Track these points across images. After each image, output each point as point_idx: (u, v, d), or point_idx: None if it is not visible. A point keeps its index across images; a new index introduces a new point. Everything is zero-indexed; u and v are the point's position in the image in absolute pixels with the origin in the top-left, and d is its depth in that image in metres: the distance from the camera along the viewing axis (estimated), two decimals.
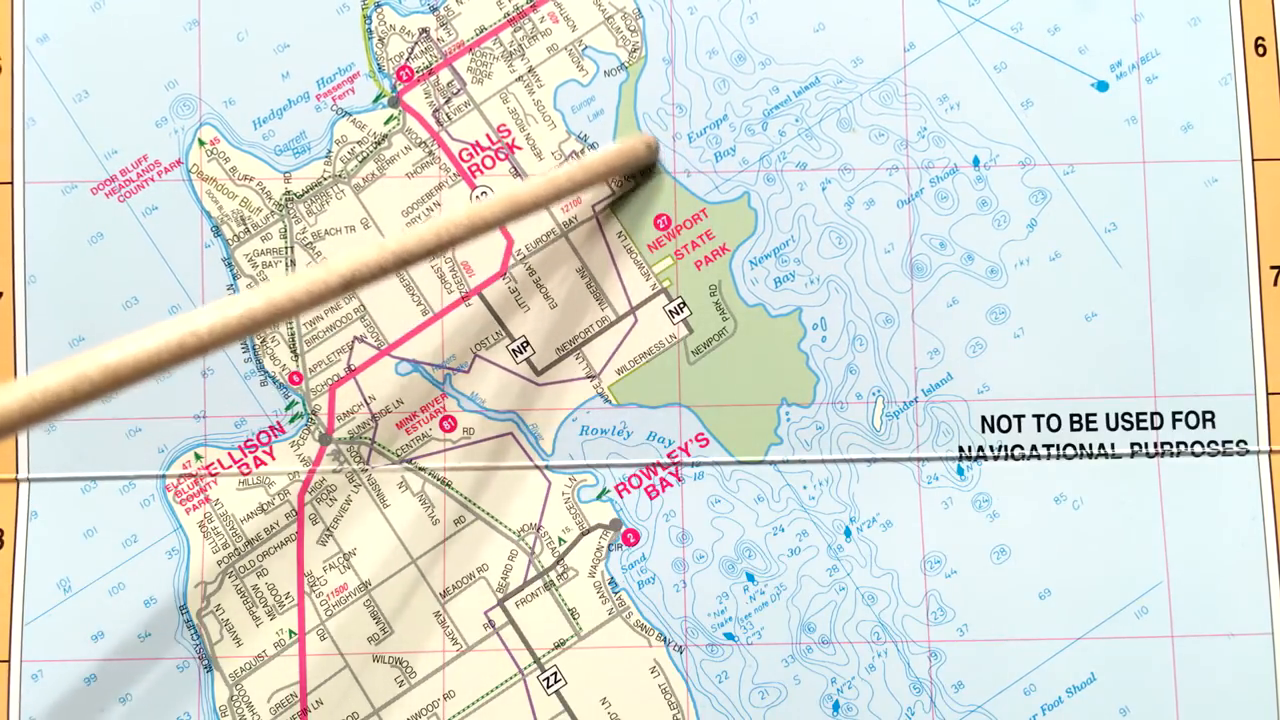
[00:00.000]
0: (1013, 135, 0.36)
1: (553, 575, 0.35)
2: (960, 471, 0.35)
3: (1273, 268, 0.35)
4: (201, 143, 0.36)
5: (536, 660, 0.35)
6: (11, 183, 0.35)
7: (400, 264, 0.28)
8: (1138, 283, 0.35)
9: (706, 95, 0.36)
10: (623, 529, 0.35)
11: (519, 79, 0.36)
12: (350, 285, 0.27)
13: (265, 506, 0.35)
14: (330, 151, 0.36)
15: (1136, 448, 0.35)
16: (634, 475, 0.35)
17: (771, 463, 0.35)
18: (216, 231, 0.36)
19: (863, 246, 0.35)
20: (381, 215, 0.36)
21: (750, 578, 0.35)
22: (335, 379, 0.35)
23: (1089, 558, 0.35)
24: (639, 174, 0.36)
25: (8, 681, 0.34)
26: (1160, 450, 0.35)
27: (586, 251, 0.36)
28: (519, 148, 0.36)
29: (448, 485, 0.35)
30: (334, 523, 0.35)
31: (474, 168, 0.36)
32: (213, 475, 0.35)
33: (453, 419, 0.35)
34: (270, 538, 0.35)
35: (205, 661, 0.34)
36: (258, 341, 0.35)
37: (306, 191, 0.36)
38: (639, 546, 0.35)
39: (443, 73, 0.36)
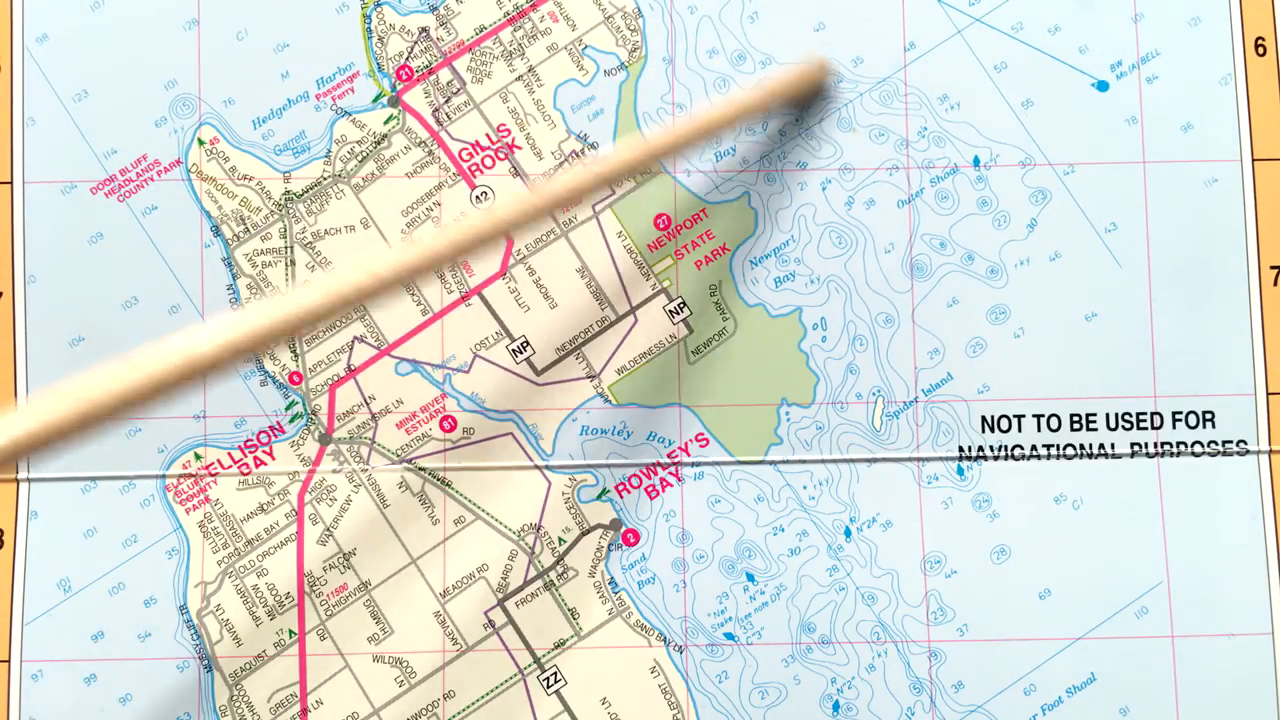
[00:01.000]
0: (1013, 135, 0.36)
1: (553, 575, 0.35)
2: (960, 471, 0.35)
3: (1273, 268, 0.35)
4: (201, 142, 0.36)
5: (536, 660, 0.35)
6: (11, 183, 0.35)
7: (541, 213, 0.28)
8: (1138, 283, 0.35)
9: (707, 95, 0.36)
10: (623, 529, 0.35)
11: (519, 78, 0.36)
12: (499, 233, 0.27)
13: (265, 506, 0.35)
14: (330, 151, 0.36)
15: (1136, 448, 0.35)
16: (634, 475, 0.35)
17: (771, 463, 0.35)
18: (216, 231, 0.35)
19: (863, 246, 0.35)
20: (381, 215, 0.36)
21: (750, 578, 0.35)
22: (335, 379, 0.35)
23: (1089, 558, 0.35)
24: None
25: (8, 681, 0.34)
26: (1160, 450, 0.35)
27: (586, 251, 0.36)
28: (519, 147, 0.36)
29: (448, 485, 0.35)
30: (334, 523, 0.35)
31: (474, 167, 0.36)
32: (213, 475, 0.35)
33: (453, 419, 0.35)
34: (270, 538, 0.35)
35: (205, 661, 0.34)
36: None
37: (306, 191, 0.36)
38: (639, 546, 0.35)
39: (442, 72, 0.36)
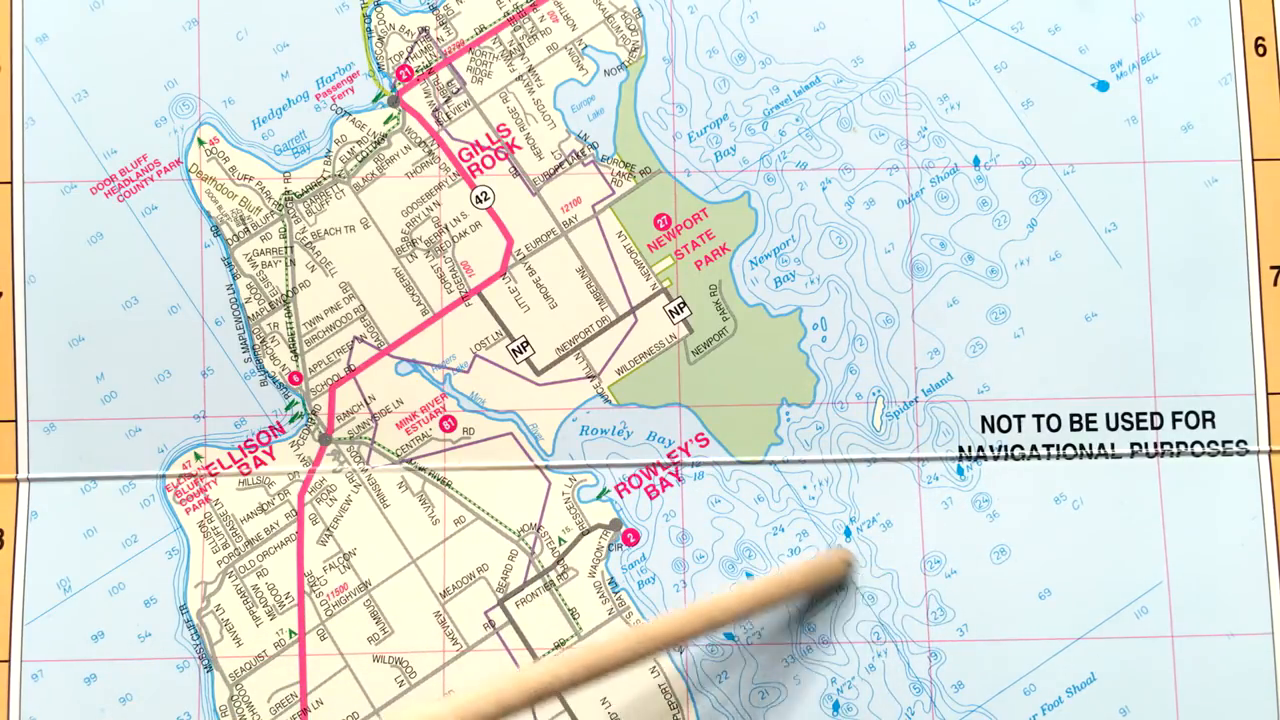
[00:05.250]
0: (1013, 135, 0.36)
1: (553, 575, 0.35)
2: (960, 471, 0.35)
3: (1273, 268, 0.35)
4: (201, 142, 0.36)
5: (536, 660, 0.35)
6: (11, 182, 0.35)
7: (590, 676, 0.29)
8: (1138, 283, 0.35)
9: (707, 94, 0.36)
10: (623, 529, 0.35)
11: (519, 78, 0.36)
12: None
13: (265, 506, 0.35)
14: (330, 151, 0.36)
15: (1136, 448, 0.35)
16: (634, 475, 0.35)
17: (771, 463, 0.35)
18: (216, 231, 0.35)
19: (863, 246, 0.35)
20: (381, 215, 0.36)
21: (750, 578, 0.35)
22: (335, 379, 0.35)
23: (1089, 558, 0.35)
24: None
25: (8, 681, 0.34)
26: (1160, 450, 0.35)
27: (586, 251, 0.36)
28: (519, 147, 0.36)
29: (448, 485, 0.35)
30: (334, 523, 0.35)
31: (474, 167, 0.36)
32: (213, 475, 0.35)
33: (453, 419, 0.35)
34: (270, 538, 0.35)
35: (205, 661, 0.34)
36: (257, 341, 0.35)
37: (306, 191, 0.36)
38: (639, 546, 0.35)
39: (442, 72, 0.36)
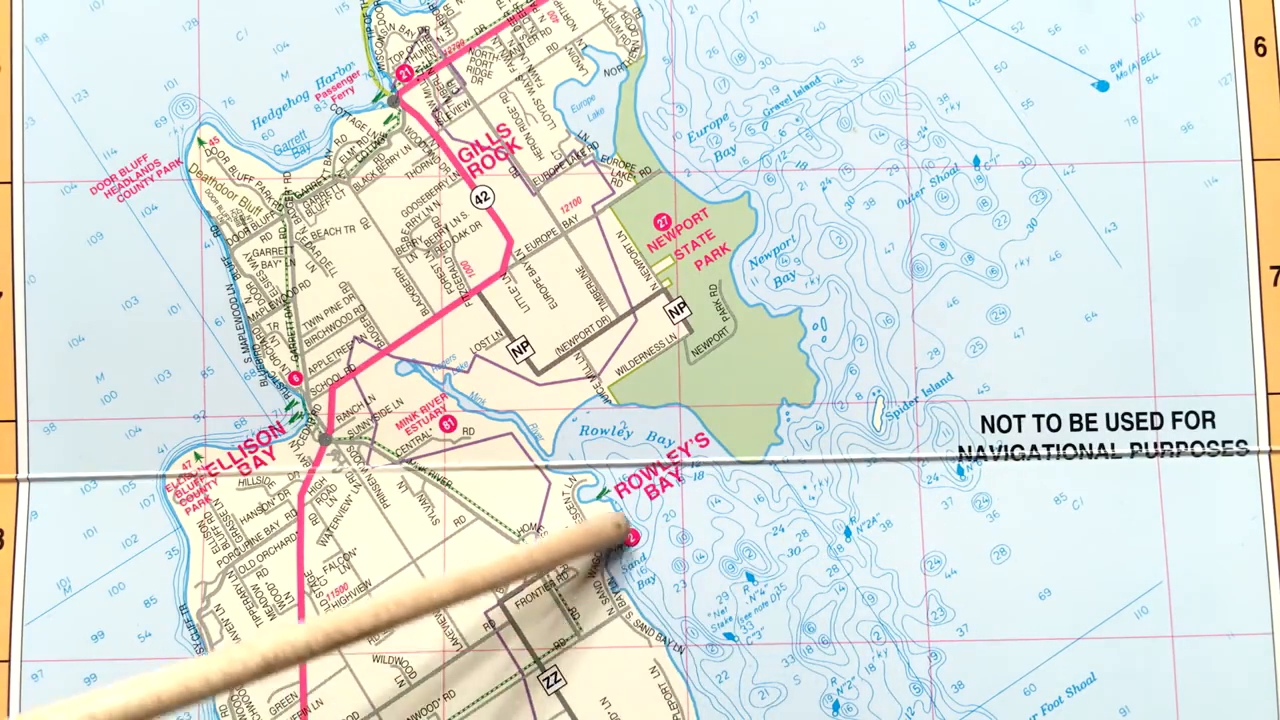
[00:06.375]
0: (1013, 135, 0.36)
1: (553, 575, 0.35)
2: (960, 471, 0.35)
3: (1273, 268, 0.35)
4: (201, 142, 0.36)
5: (536, 660, 0.35)
6: (11, 182, 0.35)
7: (331, 646, 0.26)
8: (1138, 283, 0.35)
9: (707, 94, 0.36)
10: None
11: (519, 78, 0.36)
12: (271, 668, 0.25)
13: (265, 506, 0.35)
14: (330, 151, 0.36)
15: (1136, 448, 0.35)
16: (634, 475, 0.35)
17: (771, 463, 0.35)
18: (216, 231, 0.35)
19: (863, 246, 0.35)
20: (381, 215, 0.36)
21: (750, 578, 0.35)
22: (335, 379, 0.35)
23: (1089, 558, 0.35)
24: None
25: (8, 681, 0.34)
26: (1160, 450, 0.35)
27: (586, 251, 0.36)
28: (519, 147, 0.36)
29: (448, 485, 0.35)
30: (334, 523, 0.35)
31: (474, 167, 0.36)
32: (213, 475, 0.35)
33: (453, 419, 0.35)
34: (270, 538, 0.35)
35: None
36: (258, 341, 0.35)
37: (306, 191, 0.36)
38: (639, 546, 0.35)
39: (442, 72, 0.36)
